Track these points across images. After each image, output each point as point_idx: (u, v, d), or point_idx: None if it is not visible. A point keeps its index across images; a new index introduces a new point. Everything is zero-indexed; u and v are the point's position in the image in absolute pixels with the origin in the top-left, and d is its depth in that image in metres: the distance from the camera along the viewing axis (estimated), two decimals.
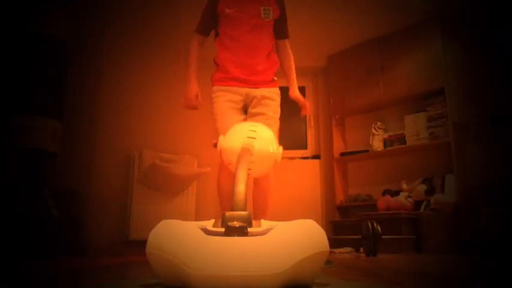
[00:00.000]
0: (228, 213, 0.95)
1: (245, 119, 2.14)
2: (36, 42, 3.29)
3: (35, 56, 3.30)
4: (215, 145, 2.12)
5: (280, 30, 2.24)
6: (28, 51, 3.30)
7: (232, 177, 1.09)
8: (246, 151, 1.27)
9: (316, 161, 4.83)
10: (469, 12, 3.91)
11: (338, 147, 4.69)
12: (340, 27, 4.59)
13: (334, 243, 3.84)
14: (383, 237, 2.93)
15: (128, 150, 4.09)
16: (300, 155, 4.91)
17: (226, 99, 2.12)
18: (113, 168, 4.08)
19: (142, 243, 1.00)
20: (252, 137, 1.32)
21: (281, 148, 1.40)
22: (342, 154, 4.66)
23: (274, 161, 1.38)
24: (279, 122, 2.19)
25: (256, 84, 2.16)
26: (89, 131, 4.02)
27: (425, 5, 4.08)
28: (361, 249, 3.18)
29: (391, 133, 4.34)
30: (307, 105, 2.32)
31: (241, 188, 1.04)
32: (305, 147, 4.96)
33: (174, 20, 4.34)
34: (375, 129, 4.43)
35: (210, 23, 2.21)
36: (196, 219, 1.32)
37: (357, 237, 3.18)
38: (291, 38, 2.31)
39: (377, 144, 4.38)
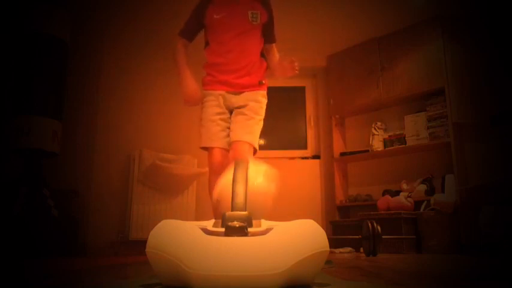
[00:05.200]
0: (228, 213, 0.95)
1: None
2: (36, 42, 3.29)
3: (35, 55, 3.30)
4: (203, 149, 2.13)
5: (268, 35, 2.24)
6: (28, 51, 3.30)
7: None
8: (241, 161, 1.17)
9: (316, 161, 4.83)
10: (469, 12, 3.91)
11: (338, 147, 4.69)
12: (340, 27, 4.58)
13: (334, 243, 3.84)
14: (383, 237, 2.93)
15: (128, 150, 4.09)
16: (300, 155, 4.91)
17: (212, 104, 2.14)
18: (113, 168, 4.07)
19: (142, 243, 1.00)
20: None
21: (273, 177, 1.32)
22: (342, 154, 4.65)
23: (269, 197, 1.28)
24: (261, 123, 2.18)
25: (243, 88, 2.16)
26: (89, 131, 4.02)
27: (425, 5, 4.07)
28: (361, 249, 3.18)
29: (391, 133, 4.34)
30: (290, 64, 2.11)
31: (240, 187, 1.04)
32: (305, 147, 4.96)
33: (174, 20, 4.33)
34: (375, 129, 4.43)
35: (195, 29, 2.21)
36: (196, 219, 1.31)
37: (357, 237, 3.18)
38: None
39: (377, 144, 4.38)
